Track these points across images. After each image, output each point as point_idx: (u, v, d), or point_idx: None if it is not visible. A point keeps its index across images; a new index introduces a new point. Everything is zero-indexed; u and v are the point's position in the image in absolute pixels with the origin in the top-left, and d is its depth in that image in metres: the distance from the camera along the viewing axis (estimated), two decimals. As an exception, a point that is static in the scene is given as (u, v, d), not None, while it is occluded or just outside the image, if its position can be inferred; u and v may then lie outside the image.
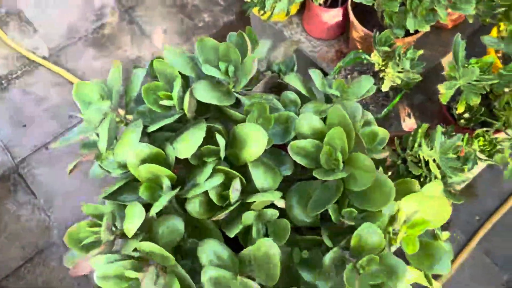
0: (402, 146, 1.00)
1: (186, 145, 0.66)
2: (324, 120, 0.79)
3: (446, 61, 1.21)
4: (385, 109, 1.00)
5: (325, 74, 1.27)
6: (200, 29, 1.79)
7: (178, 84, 0.68)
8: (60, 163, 1.55)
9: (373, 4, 0.92)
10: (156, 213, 0.66)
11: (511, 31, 0.83)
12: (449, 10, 0.90)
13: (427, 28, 0.91)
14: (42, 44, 1.77)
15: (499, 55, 1.04)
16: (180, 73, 0.72)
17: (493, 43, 0.89)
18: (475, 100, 0.84)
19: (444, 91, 0.88)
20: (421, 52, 0.92)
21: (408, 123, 1.17)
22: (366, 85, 0.80)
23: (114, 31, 1.80)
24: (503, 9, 0.90)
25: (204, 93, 0.68)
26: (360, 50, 1.04)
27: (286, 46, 0.94)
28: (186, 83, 0.75)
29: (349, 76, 1.09)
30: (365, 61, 1.08)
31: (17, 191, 1.54)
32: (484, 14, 0.93)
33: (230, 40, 0.95)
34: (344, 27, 1.19)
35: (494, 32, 1.03)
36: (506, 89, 0.92)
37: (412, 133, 0.89)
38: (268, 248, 0.61)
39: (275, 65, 0.92)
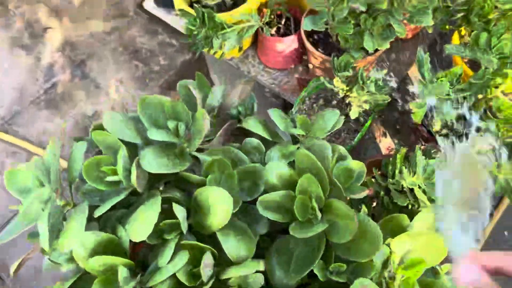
0: (382, 172, 0.94)
1: (140, 226, 0.57)
2: (293, 162, 0.71)
3: (413, 73, 1.16)
4: (358, 135, 0.94)
5: (290, 105, 1.21)
6: (156, 73, 1.72)
7: (121, 156, 0.60)
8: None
9: (327, 29, 0.87)
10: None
11: (476, 35, 0.78)
12: (406, 23, 0.85)
13: (387, 46, 0.85)
14: (-8, 114, 1.67)
15: (466, 59, 0.99)
16: (126, 140, 0.64)
17: (457, 51, 0.84)
18: (451, 116, 0.78)
19: (416, 110, 0.82)
20: (385, 71, 0.86)
21: (385, 143, 1.11)
22: (331, 118, 0.73)
23: (67, 89, 1.72)
24: (461, 14, 0.86)
25: (152, 163, 0.60)
26: (321, 78, 0.98)
27: (243, 86, 0.87)
28: (135, 150, 0.67)
29: (314, 105, 1.03)
30: (328, 84, 1.02)
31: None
32: (442, 22, 0.88)
33: (180, 91, 0.88)
34: (302, 52, 1.14)
35: (456, 36, 0.98)
36: (480, 96, 0.87)
37: (391, 159, 0.82)
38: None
39: (233, 109, 0.85)
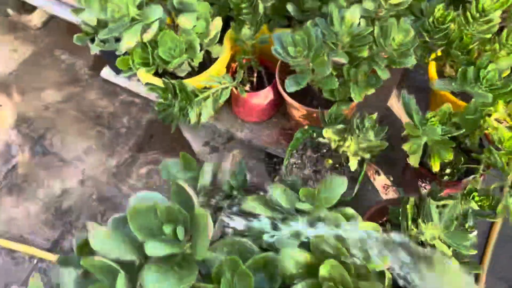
0: (387, 218, 0.89)
1: None
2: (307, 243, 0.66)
3: (393, 104, 1.14)
4: (357, 185, 0.89)
5: (275, 157, 1.15)
6: (123, 136, 1.63)
7: (121, 283, 0.52)
8: None
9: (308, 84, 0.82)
10: None
11: (464, 70, 0.76)
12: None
13: (373, 91, 0.82)
14: (-50, 212, 1.52)
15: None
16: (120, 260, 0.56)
17: (444, 85, 0.81)
18: (450, 156, 0.75)
19: (411, 151, 0.78)
20: (375, 116, 0.82)
21: (379, 180, 1.07)
22: (339, 187, 0.68)
23: (29, 169, 1.59)
24: (441, 48, 0.83)
25: (157, 285, 0.52)
26: (309, 128, 0.94)
27: (229, 160, 0.81)
28: (132, 266, 0.59)
29: (303, 156, 0.98)
30: (315, 134, 0.98)
31: None
32: (422, 58, 0.86)
33: (173, 188, 0.81)
34: (279, 102, 1.09)
35: (432, 66, 0.96)
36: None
37: (401, 210, 0.78)
38: None
39: (225, 185, 0.79)
